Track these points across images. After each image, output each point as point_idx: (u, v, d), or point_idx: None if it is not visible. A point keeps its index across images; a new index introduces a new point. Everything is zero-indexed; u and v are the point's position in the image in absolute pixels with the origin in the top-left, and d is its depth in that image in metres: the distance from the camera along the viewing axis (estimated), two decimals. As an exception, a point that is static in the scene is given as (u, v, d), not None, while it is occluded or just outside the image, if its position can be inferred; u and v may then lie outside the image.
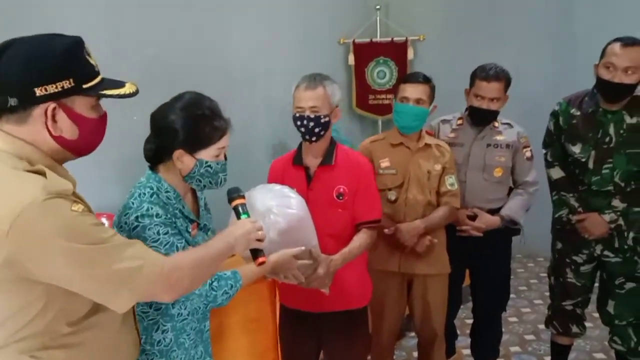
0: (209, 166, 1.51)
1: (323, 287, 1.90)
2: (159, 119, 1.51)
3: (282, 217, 1.74)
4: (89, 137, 1.22)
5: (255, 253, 1.49)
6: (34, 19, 3.28)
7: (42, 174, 1.09)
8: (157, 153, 1.53)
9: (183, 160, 1.49)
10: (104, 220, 2.24)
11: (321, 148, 2.05)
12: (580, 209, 2.49)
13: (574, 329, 2.66)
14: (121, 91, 1.23)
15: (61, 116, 1.15)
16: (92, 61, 1.20)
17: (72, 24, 3.44)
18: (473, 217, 2.58)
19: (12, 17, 3.37)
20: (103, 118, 1.25)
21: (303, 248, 1.75)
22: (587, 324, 2.73)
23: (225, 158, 1.57)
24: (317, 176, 2.04)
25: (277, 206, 1.76)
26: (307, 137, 2.00)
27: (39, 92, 1.11)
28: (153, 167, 1.55)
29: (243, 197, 1.56)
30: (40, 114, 1.13)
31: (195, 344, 1.57)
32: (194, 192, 1.65)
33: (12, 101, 1.11)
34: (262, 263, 1.50)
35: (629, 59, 2.24)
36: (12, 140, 1.13)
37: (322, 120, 1.97)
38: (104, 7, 3.58)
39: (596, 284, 2.65)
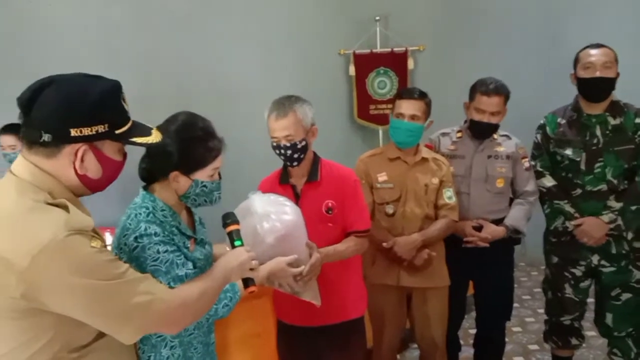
0: (205, 186, 1.55)
1: (312, 277, 1.88)
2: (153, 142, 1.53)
3: (279, 223, 1.77)
4: (110, 177, 1.27)
5: (247, 282, 1.54)
6: (29, 40, 3.33)
7: (64, 207, 1.12)
8: (152, 173, 1.56)
9: (179, 181, 1.52)
10: (107, 234, 2.34)
11: (305, 168, 2.08)
12: (576, 214, 2.50)
13: (573, 341, 2.67)
14: (148, 139, 1.27)
15: (89, 157, 1.19)
16: (126, 107, 1.24)
17: (66, 42, 3.50)
18: (478, 228, 2.59)
19: (7, 38, 3.41)
20: (124, 159, 1.30)
21: (296, 256, 1.77)
22: (590, 333, 2.72)
23: (220, 177, 1.60)
24: (304, 193, 2.07)
25: (275, 212, 1.80)
26: (288, 163, 2.04)
27: (74, 132, 1.14)
28: (148, 186, 1.57)
29: (237, 222, 1.59)
30: (70, 152, 1.17)
31: (203, 357, 1.59)
32: (188, 208, 1.67)
33: (46, 137, 1.14)
34: (253, 292, 1.55)
35: (604, 55, 2.43)
36: (36, 171, 1.16)
37: (299, 146, 1.99)
38: (98, 26, 3.59)
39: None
